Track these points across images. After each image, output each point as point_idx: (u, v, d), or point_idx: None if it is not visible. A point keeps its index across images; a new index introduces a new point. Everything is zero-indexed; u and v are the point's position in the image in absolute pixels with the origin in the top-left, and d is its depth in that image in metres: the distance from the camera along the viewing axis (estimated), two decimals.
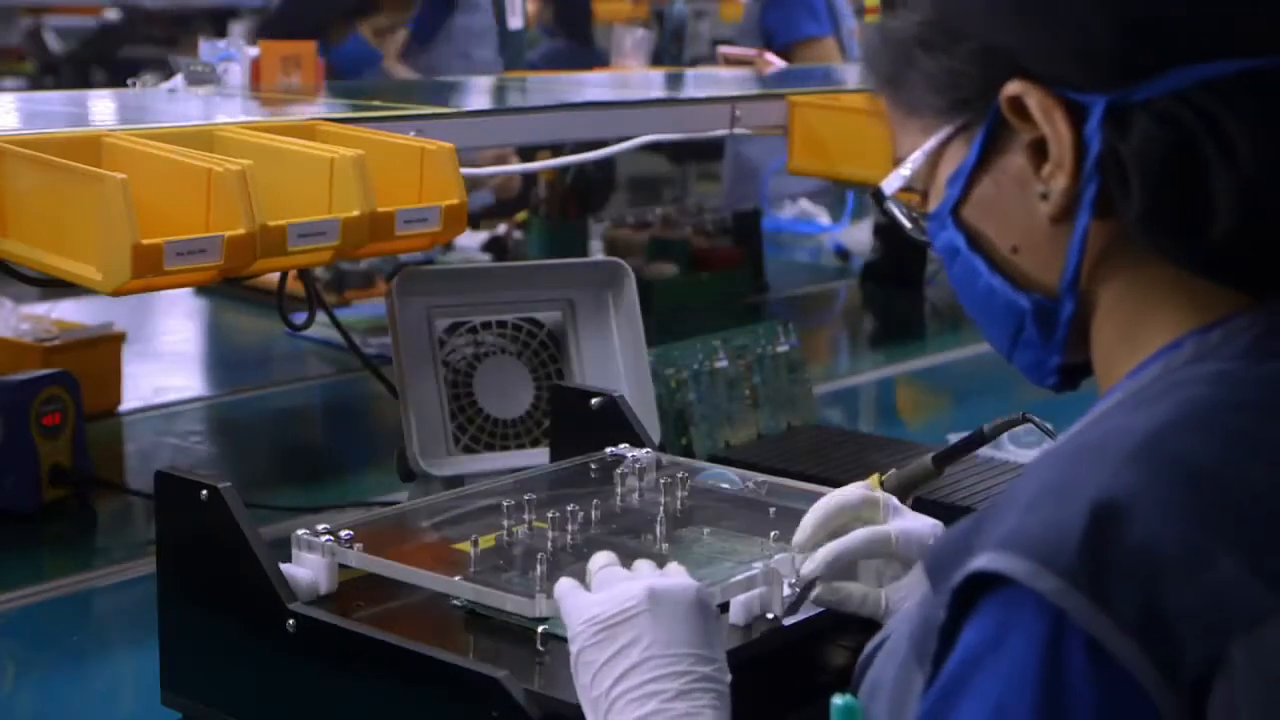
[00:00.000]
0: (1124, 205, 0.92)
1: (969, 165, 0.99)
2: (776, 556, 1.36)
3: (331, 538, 1.37)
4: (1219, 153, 0.90)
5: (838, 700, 1.05)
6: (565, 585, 1.21)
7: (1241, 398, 0.91)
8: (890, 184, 1.06)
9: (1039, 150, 0.95)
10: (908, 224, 1.08)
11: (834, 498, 1.39)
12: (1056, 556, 0.83)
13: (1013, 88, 0.94)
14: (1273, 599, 0.84)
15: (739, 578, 1.34)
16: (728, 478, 1.65)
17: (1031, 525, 0.85)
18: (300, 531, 1.38)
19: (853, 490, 1.40)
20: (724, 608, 1.31)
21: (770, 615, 1.34)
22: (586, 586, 1.21)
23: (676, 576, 1.19)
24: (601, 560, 1.23)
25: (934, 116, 1.01)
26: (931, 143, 1.01)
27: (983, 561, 0.85)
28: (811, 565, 1.34)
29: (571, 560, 1.41)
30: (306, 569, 1.36)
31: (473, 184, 3.61)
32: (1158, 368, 0.95)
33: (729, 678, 1.13)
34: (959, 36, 0.97)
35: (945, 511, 1.59)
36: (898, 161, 1.05)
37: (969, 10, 0.97)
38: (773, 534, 1.44)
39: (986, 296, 1.02)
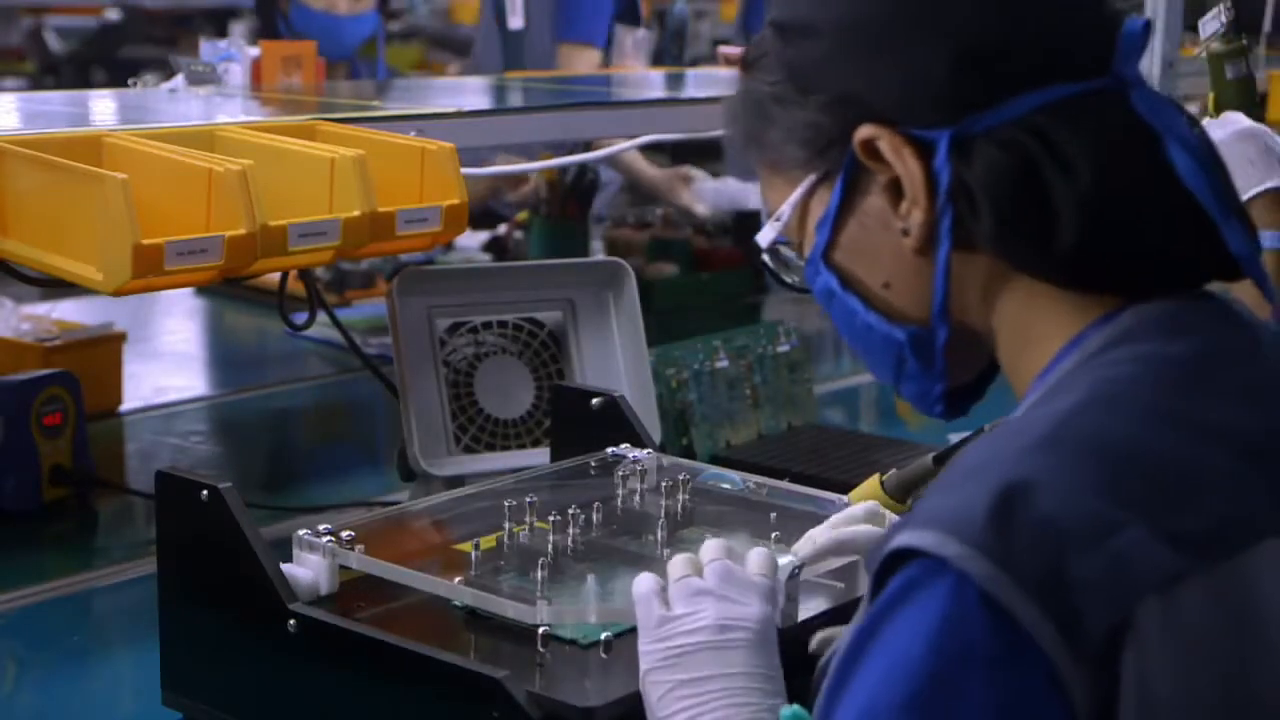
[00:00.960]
0: (977, 229, 0.98)
1: (833, 210, 1.04)
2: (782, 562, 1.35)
3: (333, 539, 1.37)
4: (1059, 172, 0.96)
5: (785, 711, 1.07)
6: (644, 588, 1.18)
7: (1156, 374, 0.95)
8: (764, 237, 1.11)
9: (896, 189, 1.01)
10: (785, 276, 1.14)
11: (843, 514, 1.41)
12: (964, 528, 0.87)
13: (864, 131, 1.00)
14: (1183, 561, 0.88)
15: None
16: (729, 479, 1.65)
17: (945, 504, 0.91)
18: (301, 532, 1.38)
19: (863, 507, 1.42)
20: None
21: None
22: (664, 592, 1.18)
23: (746, 603, 1.16)
24: (679, 569, 1.19)
25: (797, 168, 1.06)
26: (797, 193, 1.06)
27: (901, 539, 0.90)
28: (808, 547, 1.36)
29: (572, 563, 1.41)
30: (307, 569, 1.36)
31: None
32: (1071, 360, 0.99)
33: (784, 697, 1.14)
34: (809, 89, 1.03)
35: None
36: (769, 215, 1.10)
37: (814, 64, 1.03)
38: (774, 535, 1.44)
39: (866, 333, 1.07)
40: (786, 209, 1.07)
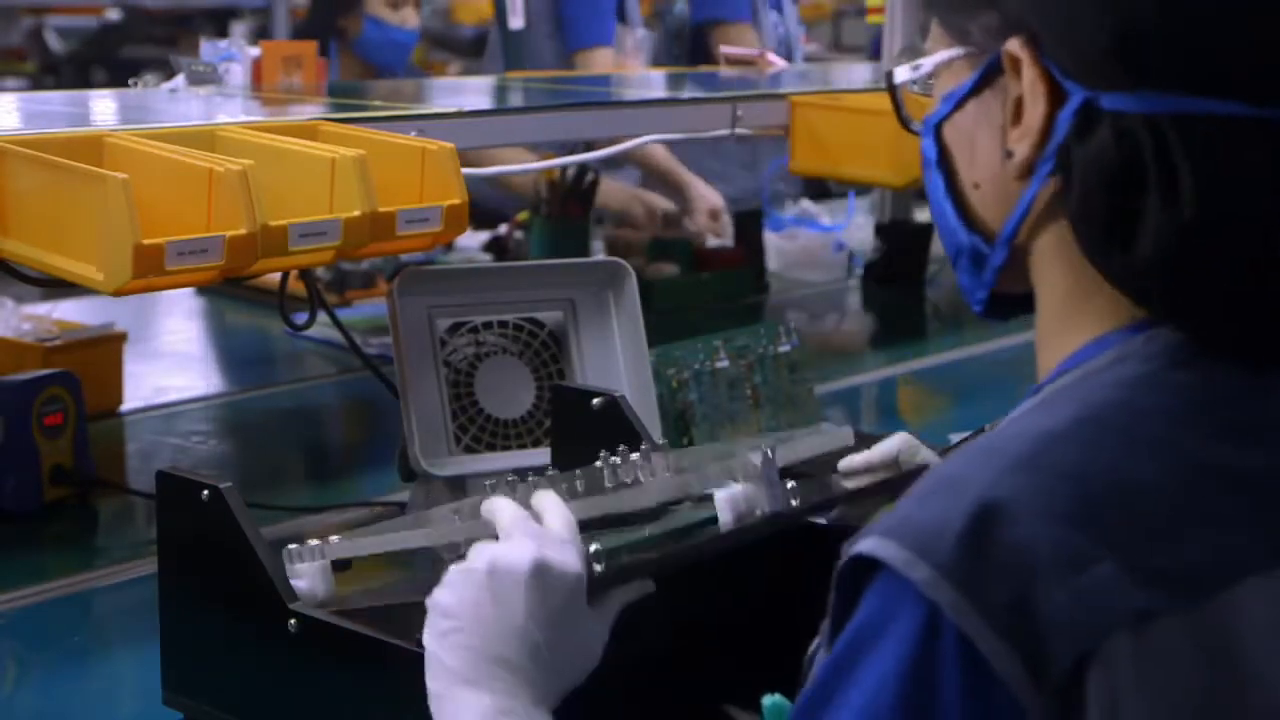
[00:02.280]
0: (1066, 198, 0.96)
1: (960, 92, 1.03)
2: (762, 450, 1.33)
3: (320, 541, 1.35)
4: (1160, 187, 0.91)
5: (767, 700, 1.06)
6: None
7: (1152, 402, 0.93)
8: (899, 74, 1.10)
9: (1019, 110, 0.98)
10: (902, 116, 1.14)
11: (878, 446, 1.47)
12: (933, 549, 0.86)
13: (1014, 46, 0.97)
14: (1158, 598, 0.86)
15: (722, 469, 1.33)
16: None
17: (917, 516, 0.89)
18: (291, 547, 1.35)
19: (896, 439, 1.47)
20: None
21: (760, 512, 1.33)
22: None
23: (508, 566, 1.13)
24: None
25: (953, 33, 1.04)
26: (942, 55, 1.04)
27: (866, 545, 0.88)
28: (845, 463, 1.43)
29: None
30: (303, 580, 1.34)
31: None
32: (1081, 369, 0.97)
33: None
34: None
35: None
36: (915, 54, 1.08)
37: None
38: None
39: (940, 214, 1.07)
40: (928, 64, 1.05)
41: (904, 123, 1.14)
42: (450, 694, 1.11)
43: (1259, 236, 0.92)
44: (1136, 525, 0.89)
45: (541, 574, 1.12)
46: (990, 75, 1.00)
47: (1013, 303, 1.06)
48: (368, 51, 4.00)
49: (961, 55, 1.03)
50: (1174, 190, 0.91)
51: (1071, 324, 1.00)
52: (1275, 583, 0.90)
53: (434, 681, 1.13)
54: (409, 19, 4.00)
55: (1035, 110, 0.96)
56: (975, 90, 1.02)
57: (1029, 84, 0.96)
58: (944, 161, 1.05)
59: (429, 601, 1.15)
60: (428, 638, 1.14)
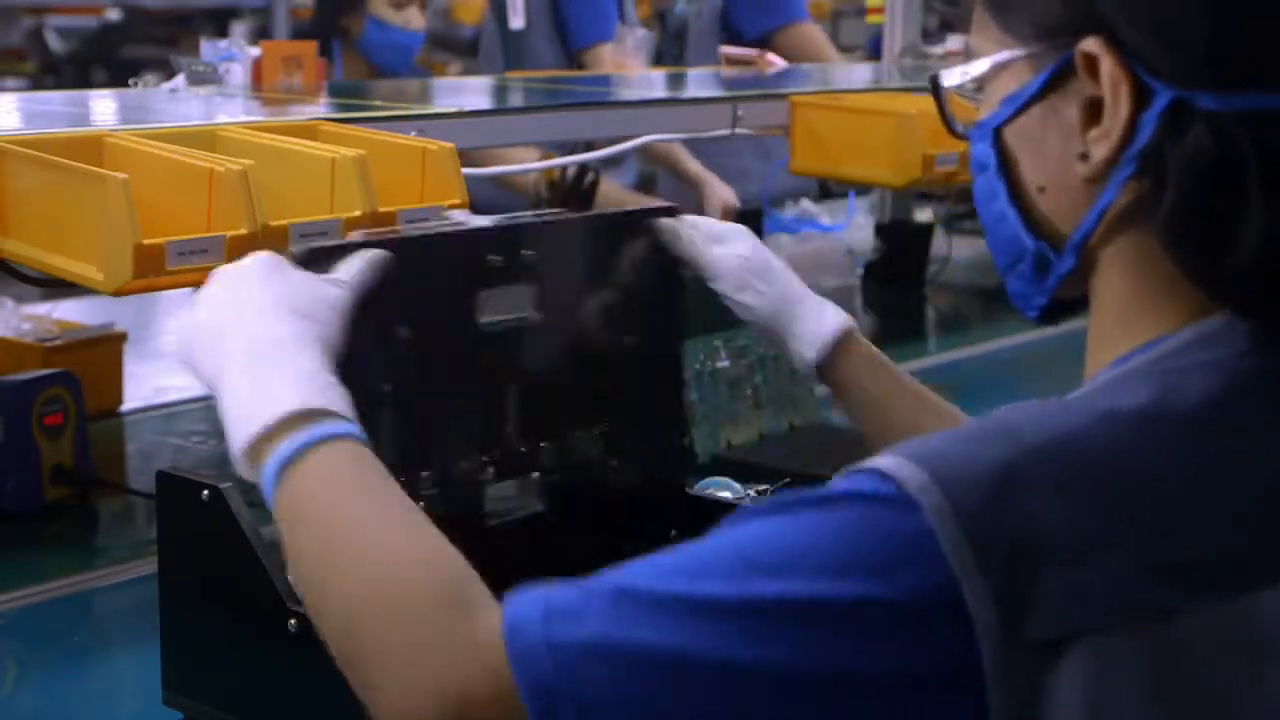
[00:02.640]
0: (1154, 201, 0.93)
1: (1027, 94, 0.99)
2: None
3: None
4: (1262, 188, 0.89)
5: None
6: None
7: (1212, 397, 0.91)
8: (949, 77, 1.07)
9: (1094, 110, 0.95)
10: (949, 120, 1.11)
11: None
12: (951, 480, 0.85)
13: (1092, 45, 0.94)
14: (1169, 596, 0.86)
15: None
16: (729, 487, 1.65)
17: (949, 449, 0.88)
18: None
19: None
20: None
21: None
22: None
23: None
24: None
25: (1012, 32, 1.00)
26: (1001, 56, 1.01)
27: (883, 462, 0.87)
28: None
29: None
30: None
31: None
32: (1146, 356, 0.95)
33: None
34: None
35: None
36: (968, 56, 1.05)
37: None
38: None
39: (999, 221, 1.03)
40: (985, 65, 1.02)
41: (950, 127, 1.11)
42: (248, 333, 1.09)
43: None
44: (1165, 520, 0.88)
45: (264, 261, 1.14)
46: (1059, 75, 0.97)
47: (1065, 308, 1.04)
48: (370, 52, 3.99)
49: (1023, 56, 0.99)
50: (1275, 193, 0.89)
51: (1131, 328, 0.98)
52: None
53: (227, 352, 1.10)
54: (413, 20, 3.99)
55: (1119, 111, 0.93)
56: (1042, 91, 0.98)
57: (1110, 84, 0.93)
58: (1006, 166, 1.02)
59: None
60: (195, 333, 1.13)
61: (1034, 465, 0.87)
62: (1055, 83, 0.97)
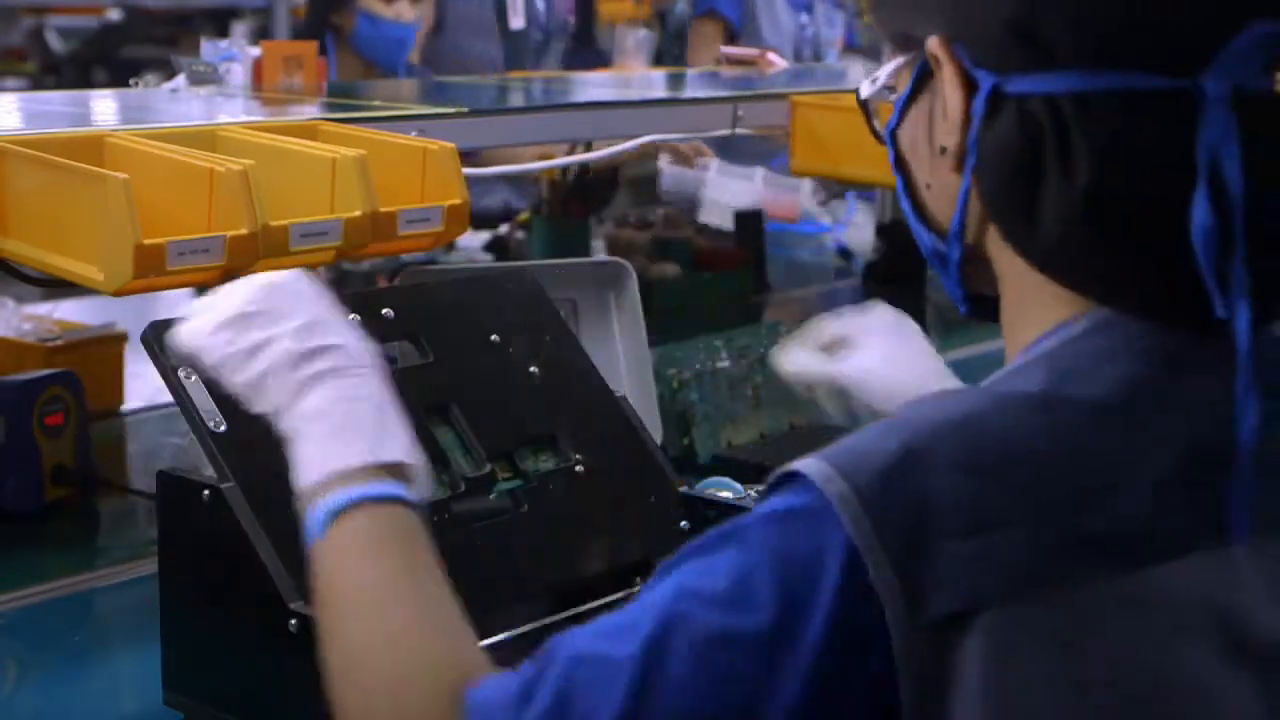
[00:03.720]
0: (982, 184, 0.99)
1: (903, 97, 1.06)
2: None
3: None
4: (1058, 164, 0.94)
5: None
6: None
7: (1118, 370, 0.94)
8: (864, 89, 1.12)
9: (946, 105, 1.01)
10: (873, 129, 1.16)
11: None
12: (855, 472, 0.90)
13: (931, 45, 1.01)
14: (1083, 561, 0.88)
15: None
16: (729, 487, 1.65)
17: (851, 446, 0.93)
18: None
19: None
20: None
21: None
22: None
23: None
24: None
25: (895, 40, 1.08)
26: (890, 65, 1.08)
27: (796, 463, 0.92)
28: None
29: None
30: None
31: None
32: (1051, 342, 0.98)
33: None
34: None
35: None
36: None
37: None
38: None
39: (906, 217, 1.09)
40: (882, 75, 1.09)
41: (875, 135, 1.16)
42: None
43: (1157, 204, 0.92)
44: (1072, 489, 0.90)
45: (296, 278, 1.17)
46: (923, 77, 1.03)
47: (997, 304, 1.06)
48: (363, 48, 3.98)
49: (903, 62, 1.06)
50: (1071, 164, 0.93)
51: (1030, 314, 1.01)
52: (1208, 563, 0.91)
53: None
54: (404, 13, 3.97)
55: (954, 102, 0.99)
56: (914, 93, 1.05)
57: (947, 78, 0.99)
58: (901, 164, 1.08)
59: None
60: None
61: (930, 446, 0.90)
62: (922, 84, 1.04)
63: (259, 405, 1.12)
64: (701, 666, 0.89)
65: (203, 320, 1.14)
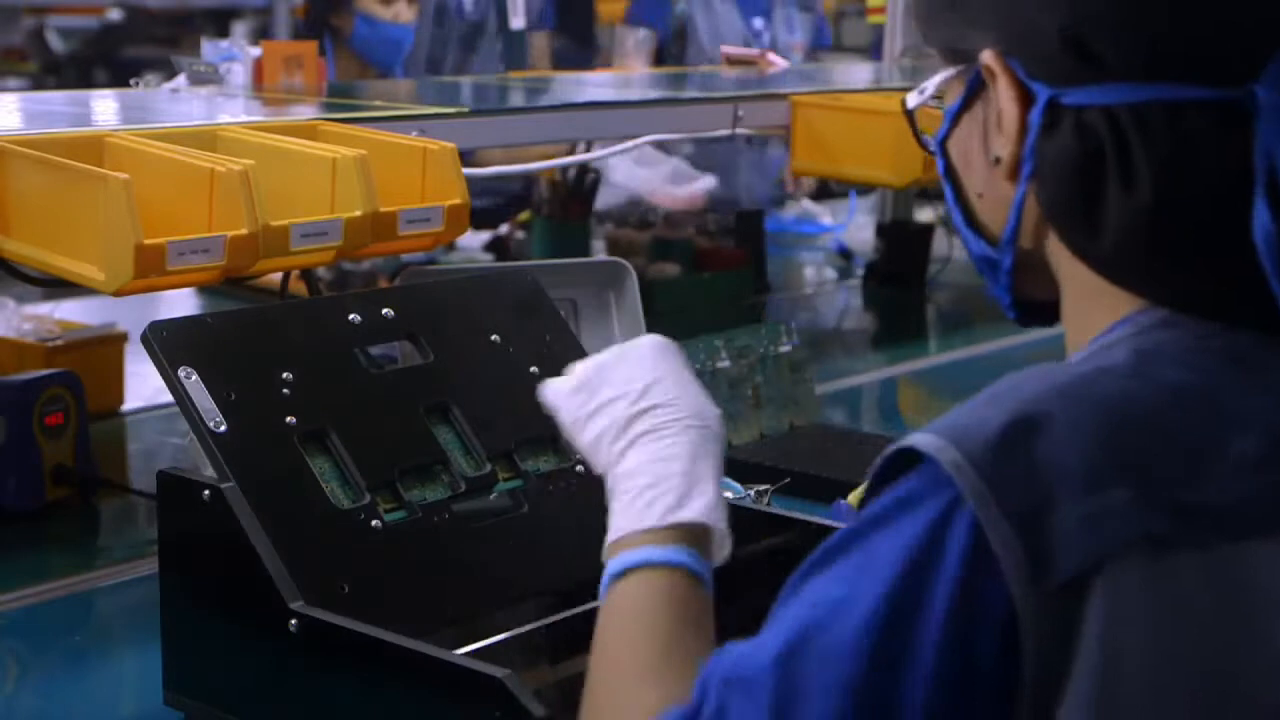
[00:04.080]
0: (1042, 194, 1.01)
1: (954, 108, 1.08)
2: None
3: None
4: (1119, 178, 0.96)
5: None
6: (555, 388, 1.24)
7: (1200, 355, 0.96)
8: (911, 99, 1.14)
9: (1001, 116, 1.02)
10: (918, 137, 1.17)
11: None
12: (967, 441, 0.91)
13: (986, 57, 1.02)
14: (1179, 530, 0.89)
15: None
16: (730, 486, 1.65)
17: (959, 419, 0.93)
18: None
19: None
20: None
21: None
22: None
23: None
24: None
25: (945, 52, 1.09)
26: (939, 76, 1.09)
27: (906, 440, 0.94)
28: None
29: None
30: None
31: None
32: (1125, 329, 0.99)
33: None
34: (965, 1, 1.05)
35: None
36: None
37: None
38: None
39: (956, 225, 1.11)
40: (930, 85, 1.10)
41: (921, 144, 1.17)
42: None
43: (1218, 211, 0.95)
44: (1169, 459, 0.91)
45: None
46: (976, 88, 1.05)
47: (1046, 309, 1.09)
48: (361, 49, 3.99)
49: (954, 74, 1.07)
50: (1131, 175, 0.95)
51: (1095, 311, 1.02)
52: None
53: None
54: (402, 14, 3.97)
55: (1010, 114, 1.01)
56: (966, 104, 1.06)
57: (1003, 91, 1.01)
58: (951, 174, 1.10)
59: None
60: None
61: (1040, 410, 0.92)
62: (975, 95, 1.06)
63: (596, 467, 1.18)
64: (831, 668, 0.90)
65: (566, 381, 1.23)
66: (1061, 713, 0.88)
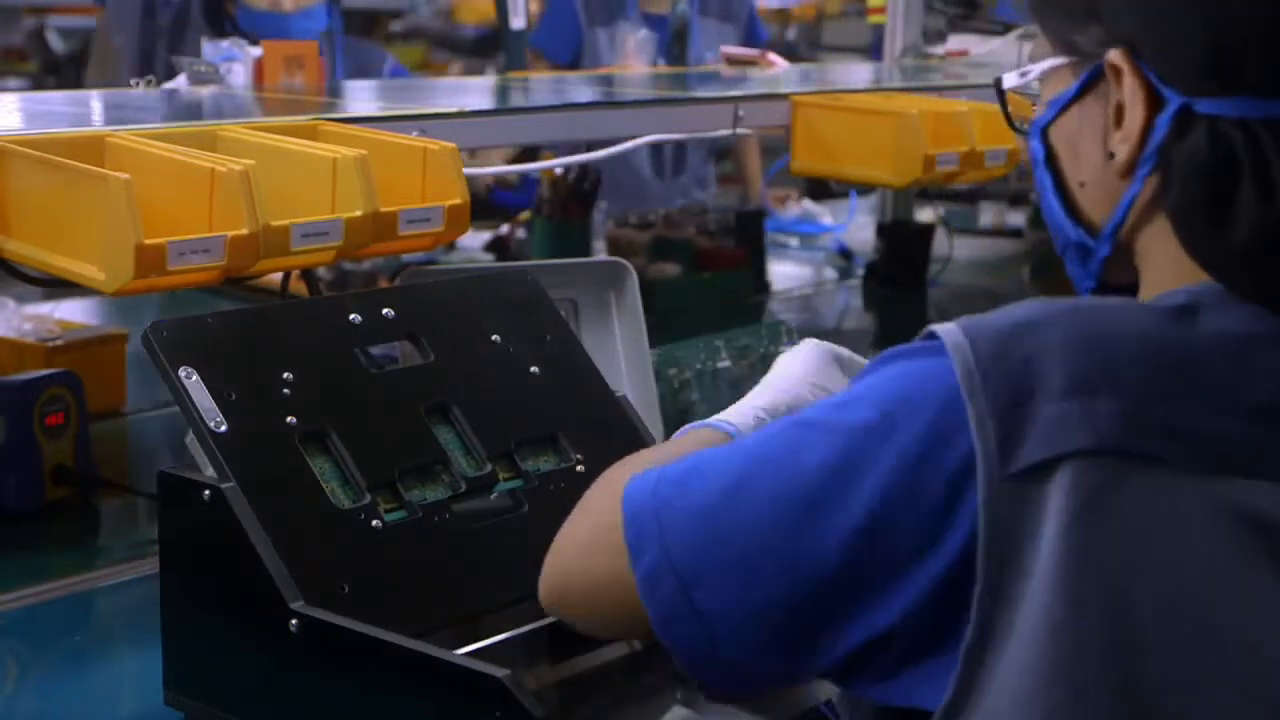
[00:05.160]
0: (1164, 196, 1.04)
1: (1067, 97, 1.10)
2: None
3: None
4: (1255, 189, 0.99)
5: None
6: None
7: (1251, 320, 1.00)
8: (1009, 79, 1.18)
9: (1120, 114, 1.06)
10: (1009, 118, 1.22)
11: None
12: (975, 328, 0.99)
13: (1115, 56, 1.05)
14: (1157, 447, 0.94)
15: None
16: None
17: (982, 315, 1.01)
18: None
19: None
20: None
21: None
22: None
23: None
24: None
25: (1059, 41, 1.11)
26: (1048, 63, 1.12)
27: (937, 326, 1.01)
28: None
29: None
30: None
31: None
32: (1198, 286, 1.04)
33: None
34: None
35: None
36: (1032, 60, 1.16)
37: None
38: None
39: (1049, 210, 1.15)
40: (1035, 70, 1.14)
41: (1011, 125, 1.21)
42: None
43: None
44: (1176, 386, 0.96)
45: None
46: (1093, 82, 1.08)
47: (1118, 293, 1.11)
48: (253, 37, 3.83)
49: (1066, 64, 1.10)
50: (1268, 183, 0.98)
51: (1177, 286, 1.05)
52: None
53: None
54: (282, 3, 3.76)
55: (1135, 115, 1.04)
56: (1079, 96, 1.09)
57: (1129, 91, 1.04)
58: (1050, 161, 1.13)
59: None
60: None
61: (1050, 319, 0.98)
62: (1089, 88, 1.09)
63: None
64: (794, 446, 1.01)
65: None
66: (1019, 598, 0.92)
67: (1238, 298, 1.01)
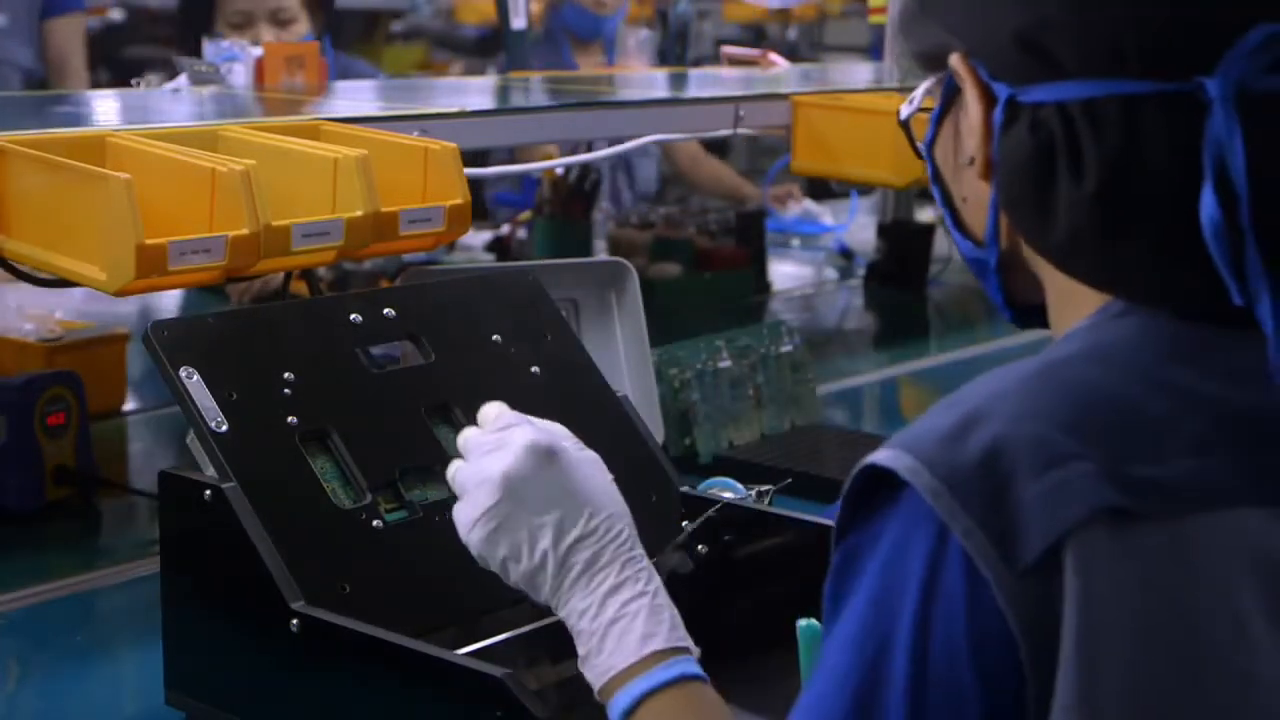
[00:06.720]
0: (1000, 190, 1.03)
1: (936, 112, 1.10)
2: None
3: None
4: (1068, 167, 0.97)
5: (801, 623, 1.08)
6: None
7: (1153, 340, 0.97)
8: (903, 110, 1.16)
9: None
10: (913, 145, 1.18)
11: None
12: (920, 446, 0.93)
13: (952, 61, 1.04)
14: (1136, 501, 0.90)
15: None
16: (731, 487, 1.65)
17: (914, 428, 0.95)
18: None
19: None
20: None
21: None
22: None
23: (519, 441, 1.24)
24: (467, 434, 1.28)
25: (925, 60, 1.10)
26: (924, 85, 1.11)
27: (869, 457, 0.95)
28: None
29: None
30: None
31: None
32: (1089, 322, 1.01)
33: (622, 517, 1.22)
34: (932, 9, 1.07)
35: None
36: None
37: None
38: None
39: (949, 227, 1.12)
40: (917, 95, 1.13)
41: (917, 153, 1.18)
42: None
43: (1166, 203, 0.96)
44: (1125, 437, 0.93)
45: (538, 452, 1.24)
46: (951, 93, 1.07)
47: (1040, 311, 1.09)
48: None
49: (934, 81, 1.10)
50: (1081, 166, 0.97)
51: (1070, 309, 1.03)
52: (1254, 519, 0.93)
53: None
54: (263, 39, 3.79)
55: (974, 115, 1.03)
56: (946, 109, 1.08)
57: (969, 92, 1.03)
58: (938, 180, 1.11)
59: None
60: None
61: (989, 406, 0.93)
62: (949, 101, 1.08)
63: (537, 598, 1.21)
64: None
65: (463, 510, 1.24)
66: (1055, 697, 0.88)
67: (1127, 300, 0.99)
